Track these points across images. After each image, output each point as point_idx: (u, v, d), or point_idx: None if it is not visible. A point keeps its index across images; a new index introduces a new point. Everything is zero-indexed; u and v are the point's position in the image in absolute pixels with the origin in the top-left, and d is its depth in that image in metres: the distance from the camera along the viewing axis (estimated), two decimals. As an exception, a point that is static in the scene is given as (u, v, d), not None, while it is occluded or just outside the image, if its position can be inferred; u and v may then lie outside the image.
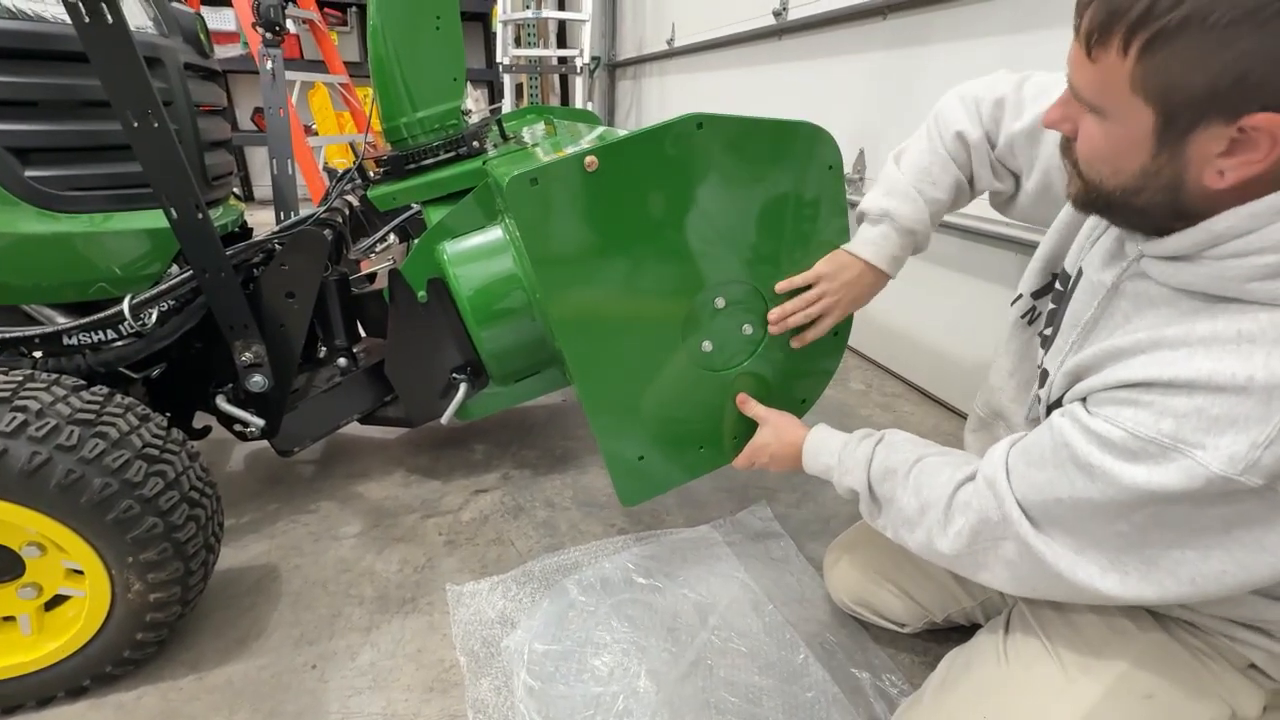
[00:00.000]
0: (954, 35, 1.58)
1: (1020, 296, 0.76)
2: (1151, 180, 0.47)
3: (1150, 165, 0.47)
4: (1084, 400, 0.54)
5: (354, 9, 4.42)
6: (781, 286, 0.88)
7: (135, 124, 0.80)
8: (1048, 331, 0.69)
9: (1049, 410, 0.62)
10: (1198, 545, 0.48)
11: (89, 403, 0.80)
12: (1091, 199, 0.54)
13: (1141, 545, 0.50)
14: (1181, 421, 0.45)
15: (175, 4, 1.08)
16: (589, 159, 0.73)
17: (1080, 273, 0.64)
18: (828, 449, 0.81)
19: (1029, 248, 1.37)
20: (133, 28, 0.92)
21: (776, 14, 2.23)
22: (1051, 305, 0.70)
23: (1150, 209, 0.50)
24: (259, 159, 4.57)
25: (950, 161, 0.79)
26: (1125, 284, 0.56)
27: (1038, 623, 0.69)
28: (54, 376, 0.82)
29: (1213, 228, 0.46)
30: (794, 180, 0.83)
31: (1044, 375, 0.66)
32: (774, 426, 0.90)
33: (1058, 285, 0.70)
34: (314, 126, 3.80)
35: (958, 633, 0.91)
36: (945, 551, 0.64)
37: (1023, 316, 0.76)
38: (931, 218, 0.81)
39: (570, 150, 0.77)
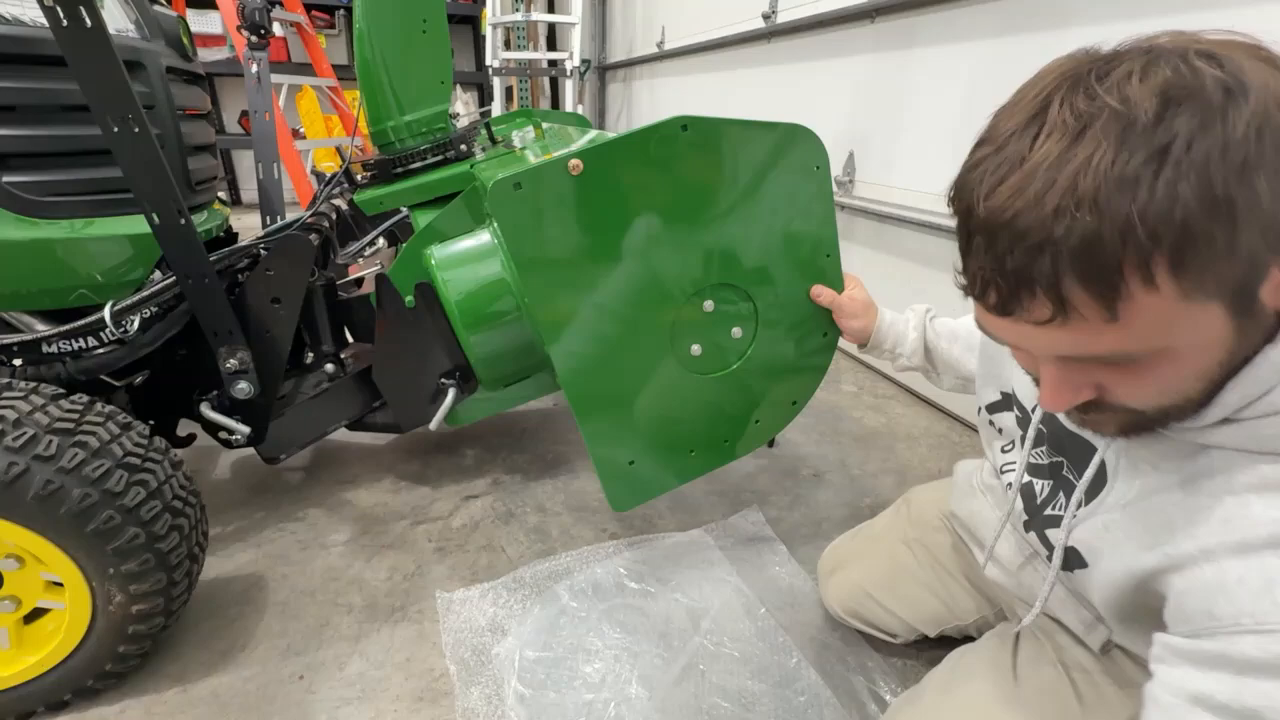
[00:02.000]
0: (940, 39, 1.59)
1: (980, 409, 0.75)
2: (1240, 350, 0.40)
3: (1237, 342, 0.39)
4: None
5: (342, 12, 4.40)
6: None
7: (115, 128, 0.79)
8: (1033, 458, 0.65)
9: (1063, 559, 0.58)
10: None
11: (68, 411, 0.78)
12: (1145, 423, 0.45)
13: None
14: None
15: (158, 7, 1.07)
16: (573, 162, 0.73)
17: (1050, 419, 0.60)
18: None
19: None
20: (113, 31, 0.91)
21: (766, 17, 2.23)
22: (1021, 431, 0.67)
23: (1235, 368, 0.41)
24: (246, 163, 4.53)
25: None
26: (1123, 455, 0.51)
27: (1054, 649, 0.66)
28: (32, 385, 0.80)
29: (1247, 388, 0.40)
30: (781, 182, 0.83)
31: (1032, 505, 0.63)
32: None
33: (1017, 410, 0.67)
34: (302, 130, 3.78)
35: (949, 643, 0.90)
36: None
37: (988, 426, 0.74)
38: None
39: (558, 153, 0.76)
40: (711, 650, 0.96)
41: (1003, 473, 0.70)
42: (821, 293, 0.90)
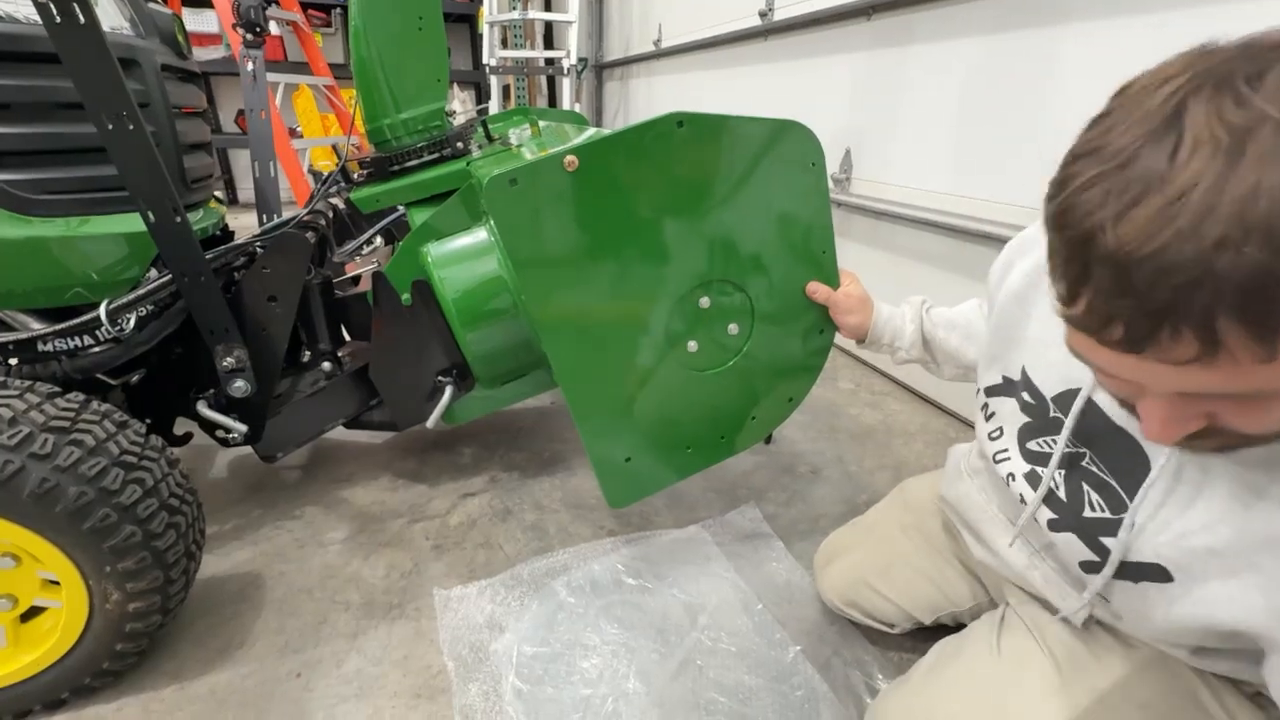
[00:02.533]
0: (937, 35, 1.59)
1: (979, 391, 0.74)
2: None
3: None
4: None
5: (338, 10, 4.39)
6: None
7: (110, 126, 0.79)
8: (1036, 446, 0.64)
9: (1116, 567, 0.54)
10: None
11: (64, 410, 0.78)
12: (1249, 444, 0.42)
13: None
14: None
15: (153, 5, 1.07)
16: (569, 158, 0.73)
17: (1090, 404, 0.57)
18: None
19: (1012, 245, 1.38)
20: (108, 28, 0.91)
21: (762, 14, 2.23)
22: (1026, 417, 0.65)
23: None
24: (243, 162, 4.52)
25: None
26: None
27: (1034, 625, 0.67)
28: (28, 383, 0.80)
29: None
30: (777, 178, 0.84)
31: (1057, 502, 0.60)
32: None
33: (1026, 395, 0.65)
34: (299, 129, 3.77)
35: (946, 631, 0.91)
36: None
37: (980, 409, 0.73)
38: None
39: (554, 150, 0.76)
40: (709, 646, 0.96)
41: (997, 461, 0.69)
42: (817, 289, 0.90)
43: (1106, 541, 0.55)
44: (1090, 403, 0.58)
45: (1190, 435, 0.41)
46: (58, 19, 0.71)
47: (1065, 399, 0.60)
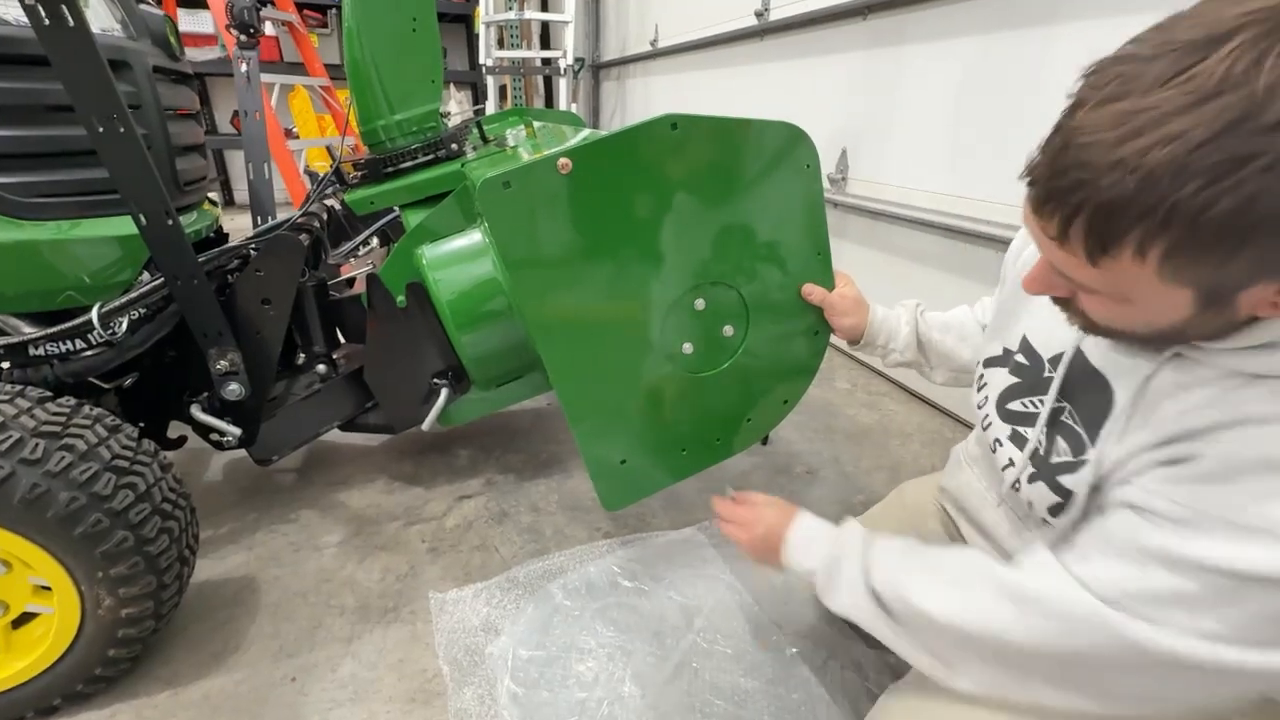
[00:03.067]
0: (932, 35, 1.59)
1: (979, 364, 0.75)
2: (1193, 325, 0.45)
3: (1194, 320, 0.44)
4: (1146, 487, 0.48)
5: (334, 11, 4.38)
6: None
7: (100, 129, 0.78)
8: (1019, 406, 0.65)
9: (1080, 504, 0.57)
10: None
11: (55, 414, 0.78)
12: (1107, 333, 0.51)
13: (1248, 636, 0.42)
14: None
15: (144, 6, 1.06)
16: (562, 161, 0.72)
17: (1078, 354, 0.60)
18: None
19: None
20: (98, 30, 0.91)
21: (758, 15, 2.23)
22: (1015, 379, 0.67)
23: (1188, 337, 0.47)
24: (238, 163, 4.51)
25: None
26: (1163, 371, 0.51)
27: None
28: (18, 388, 0.80)
29: None
30: (771, 180, 0.83)
31: (1034, 453, 0.62)
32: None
33: (1021, 358, 0.67)
34: (295, 130, 3.76)
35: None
36: (968, 623, 0.53)
37: (975, 382, 0.75)
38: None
39: (549, 152, 0.76)
40: (705, 648, 0.96)
41: (984, 429, 0.70)
42: (812, 291, 0.90)
43: (1065, 480, 0.58)
44: (1078, 352, 0.61)
45: (1062, 305, 0.52)
46: (46, 21, 0.71)
47: (1060, 360, 0.63)
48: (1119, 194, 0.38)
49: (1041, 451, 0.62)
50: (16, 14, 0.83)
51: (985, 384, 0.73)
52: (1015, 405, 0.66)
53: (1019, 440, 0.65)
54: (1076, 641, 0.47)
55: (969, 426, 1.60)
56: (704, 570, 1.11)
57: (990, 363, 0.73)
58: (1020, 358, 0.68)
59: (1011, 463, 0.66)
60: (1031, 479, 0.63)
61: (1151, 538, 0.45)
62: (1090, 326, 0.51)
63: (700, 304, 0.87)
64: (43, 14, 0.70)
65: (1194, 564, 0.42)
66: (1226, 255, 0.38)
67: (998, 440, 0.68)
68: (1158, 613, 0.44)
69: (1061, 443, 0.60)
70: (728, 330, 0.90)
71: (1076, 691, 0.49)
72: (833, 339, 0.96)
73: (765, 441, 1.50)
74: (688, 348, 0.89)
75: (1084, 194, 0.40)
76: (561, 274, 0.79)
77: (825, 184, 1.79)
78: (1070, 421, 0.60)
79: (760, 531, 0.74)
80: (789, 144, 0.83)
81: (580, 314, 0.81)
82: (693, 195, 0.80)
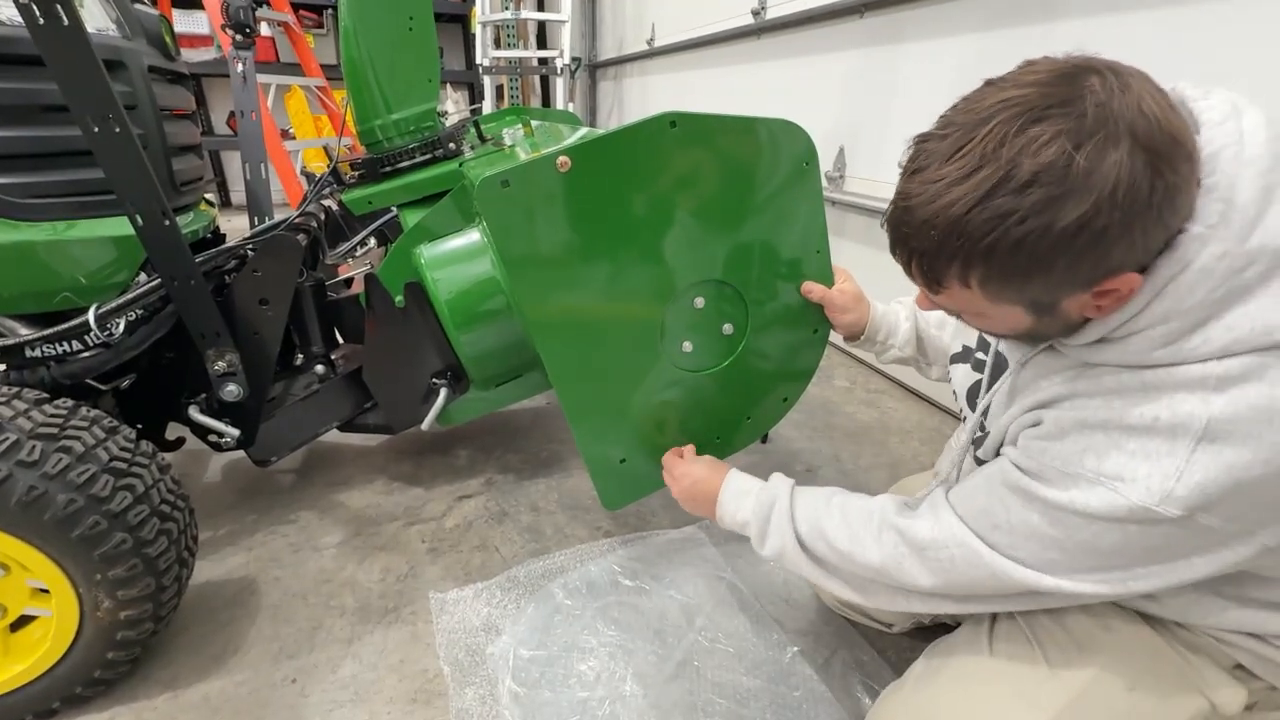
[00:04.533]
0: (928, 33, 1.59)
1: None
2: (1041, 328, 0.56)
3: (1037, 324, 0.55)
4: (1017, 445, 0.60)
5: (330, 11, 4.37)
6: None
7: (95, 129, 0.78)
8: (983, 401, 0.74)
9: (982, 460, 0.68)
10: (1131, 567, 0.53)
11: (52, 416, 0.77)
12: (998, 337, 0.66)
13: (1079, 565, 0.55)
14: (1103, 457, 0.51)
15: (139, 6, 1.05)
16: (561, 159, 0.72)
17: (999, 354, 0.72)
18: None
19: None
20: (93, 30, 0.90)
21: (755, 13, 2.23)
22: (978, 375, 0.76)
23: (1047, 336, 0.58)
24: (235, 164, 4.50)
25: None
26: (1034, 359, 0.63)
27: (1024, 619, 0.69)
28: (15, 390, 0.79)
29: (1108, 324, 0.52)
30: (770, 178, 0.83)
31: (982, 430, 0.71)
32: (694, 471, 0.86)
33: (981, 354, 0.76)
34: (291, 130, 3.75)
35: (944, 629, 0.92)
36: (874, 562, 0.66)
37: (948, 374, 0.84)
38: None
39: (547, 151, 0.76)
40: (706, 646, 0.96)
41: (963, 422, 0.78)
42: (812, 289, 0.90)
43: (981, 453, 0.70)
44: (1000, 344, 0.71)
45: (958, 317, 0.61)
46: (41, 20, 0.70)
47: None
48: (930, 245, 0.50)
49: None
50: (11, 13, 0.82)
51: (951, 378, 0.81)
52: (983, 400, 0.71)
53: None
54: (959, 575, 0.60)
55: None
56: (705, 569, 1.11)
57: (955, 359, 0.81)
58: (980, 354, 0.75)
59: (984, 433, 0.71)
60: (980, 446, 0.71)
61: (1014, 481, 0.57)
62: (980, 328, 0.63)
63: (700, 302, 0.87)
64: (37, 13, 0.70)
65: (1040, 502, 0.54)
66: (1025, 280, 0.49)
67: (963, 410, 0.77)
68: (1015, 543, 0.57)
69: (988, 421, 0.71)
70: (727, 328, 0.90)
71: (975, 605, 0.64)
72: (831, 336, 0.96)
73: (765, 440, 1.50)
74: (687, 346, 0.89)
75: (910, 245, 0.52)
76: (560, 273, 0.78)
77: (823, 182, 1.79)
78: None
79: (687, 485, 0.84)
80: (788, 142, 0.83)
81: (579, 313, 0.81)
82: (692, 193, 0.80)
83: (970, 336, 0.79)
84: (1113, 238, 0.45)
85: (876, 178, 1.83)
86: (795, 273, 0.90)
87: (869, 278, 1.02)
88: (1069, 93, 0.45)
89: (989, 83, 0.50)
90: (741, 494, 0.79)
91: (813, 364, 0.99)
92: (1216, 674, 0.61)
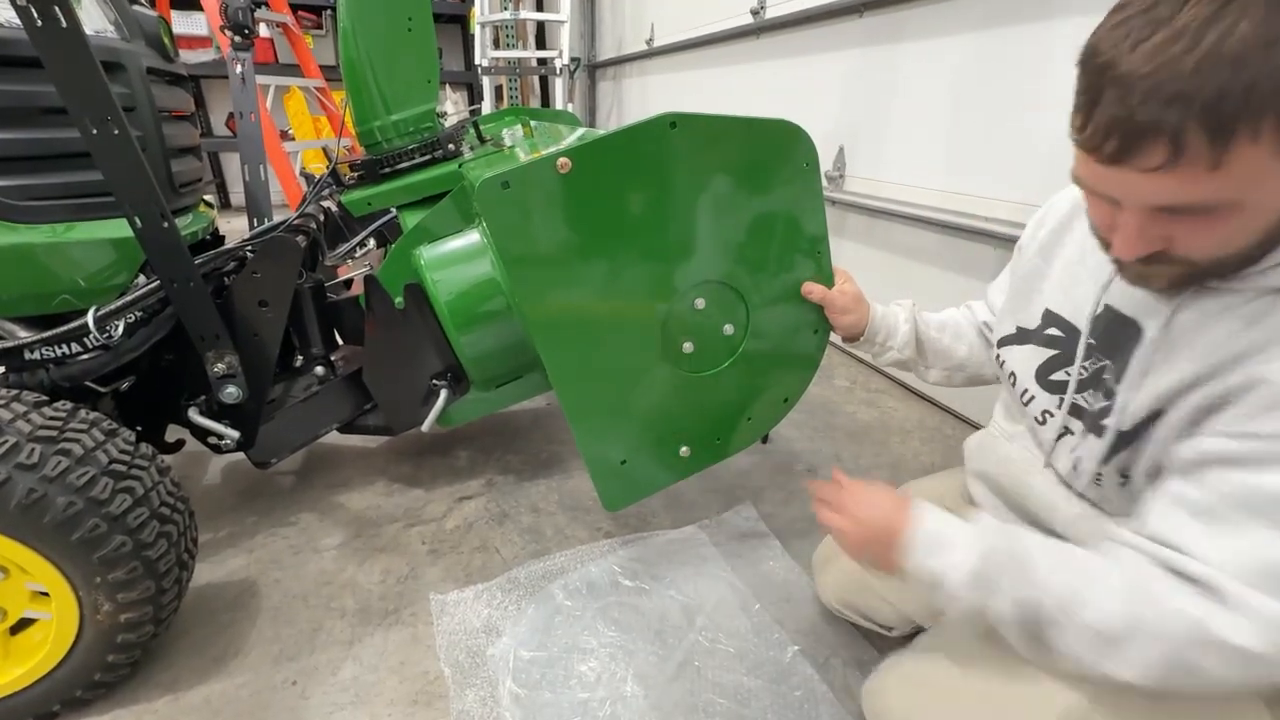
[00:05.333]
0: (928, 32, 1.59)
1: (996, 349, 0.78)
2: None
3: None
4: (1211, 433, 0.48)
5: (328, 12, 4.37)
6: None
7: (94, 131, 0.78)
8: (1059, 376, 0.67)
9: (1115, 443, 0.58)
10: None
11: (51, 419, 0.77)
12: (1192, 278, 0.51)
13: None
14: None
15: (137, 7, 1.05)
16: (561, 160, 0.72)
17: (1105, 312, 0.62)
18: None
19: (1007, 242, 1.39)
20: (91, 32, 0.90)
21: (754, 13, 2.23)
22: (1052, 351, 0.68)
23: (1251, 257, 0.48)
24: (234, 166, 4.50)
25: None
26: (1186, 301, 0.53)
27: None
28: (14, 392, 0.79)
29: None
30: (770, 178, 0.83)
31: (1080, 411, 0.63)
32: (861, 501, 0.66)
33: (1053, 331, 0.69)
34: (290, 131, 3.75)
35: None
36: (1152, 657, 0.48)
37: (1000, 366, 0.77)
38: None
39: (546, 152, 0.76)
40: (707, 647, 0.96)
41: (1025, 404, 0.70)
42: (812, 289, 0.90)
43: (1106, 422, 0.59)
44: (1106, 309, 0.62)
45: (1151, 264, 0.50)
46: (39, 22, 0.70)
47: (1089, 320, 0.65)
48: (1218, 85, 0.40)
49: (1087, 407, 0.63)
50: (9, 15, 0.82)
51: (1004, 362, 0.75)
52: (1059, 375, 0.67)
53: (1076, 410, 0.64)
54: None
55: (968, 422, 1.60)
56: (705, 569, 1.11)
57: (1006, 342, 0.76)
58: (1054, 330, 0.69)
59: (1068, 430, 0.65)
60: (1084, 434, 0.63)
61: (1263, 494, 0.44)
62: (1184, 278, 0.51)
63: (700, 303, 0.86)
64: (35, 15, 0.70)
65: None
66: None
67: (1046, 412, 0.68)
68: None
69: (1098, 394, 0.62)
70: (728, 329, 0.90)
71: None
72: (831, 336, 0.96)
73: (765, 440, 1.50)
74: (688, 347, 0.89)
75: (1184, 101, 0.41)
76: (561, 273, 0.78)
77: (823, 182, 1.79)
78: (1109, 377, 0.61)
79: (872, 530, 0.62)
80: (788, 142, 0.83)
81: (580, 314, 0.81)
82: (692, 194, 0.80)
83: (1025, 315, 0.73)
84: None
85: (876, 177, 1.83)
86: (795, 273, 0.90)
87: (869, 278, 1.02)
88: None
89: None
90: (940, 541, 0.59)
91: (813, 364, 0.99)
92: (1251, 700, 0.54)
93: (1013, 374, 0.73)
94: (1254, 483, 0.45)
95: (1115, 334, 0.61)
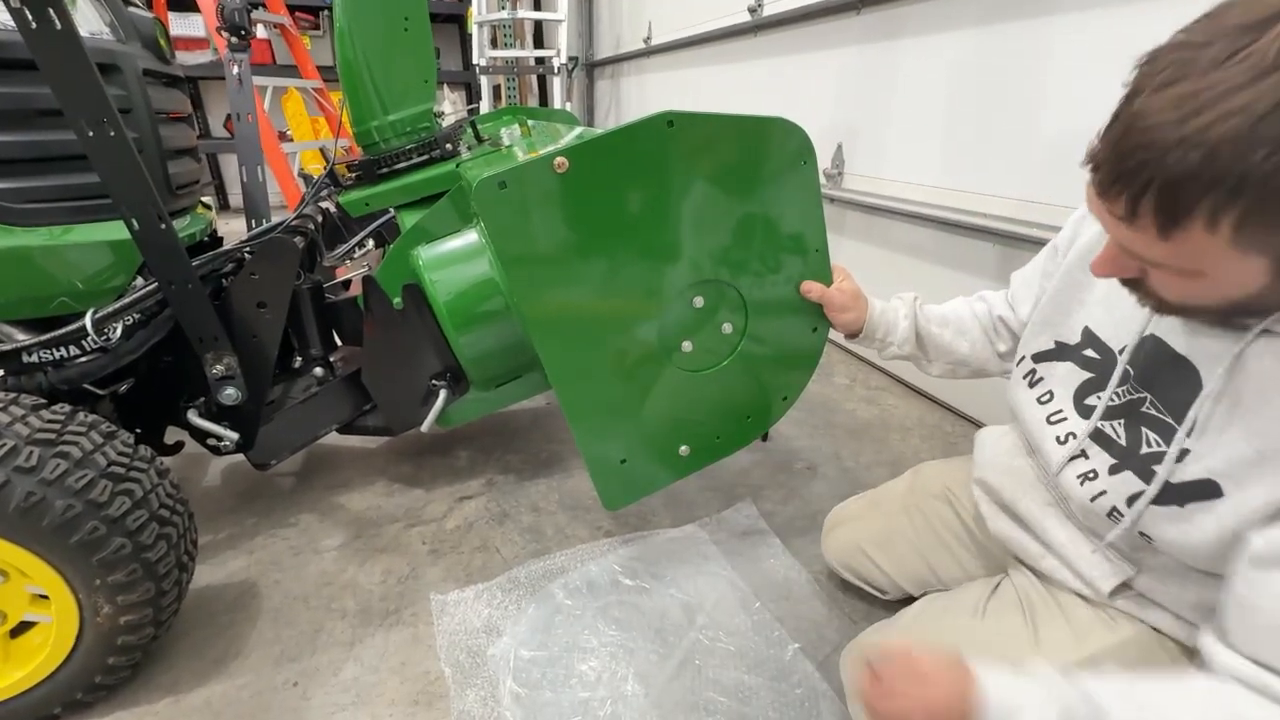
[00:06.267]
0: (926, 29, 1.59)
1: (1022, 359, 0.75)
2: (1270, 294, 0.45)
3: (1269, 287, 0.44)
4: None
5: (326, 12, 4.36)
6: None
7: (90, 133, 0.77)
8: (1093, 401, 0.65)
9: (1161, 494, 0.55)
10: None
11: (49, 422, 0.77)
12: (1181, 311, 0.52)
13: None
14: None
15: (133, 9, 1.05)
16: (559, 160, 0.72)
17: (1150, 341, 0.59)
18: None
19: (1006, 239, 1.38)
20: (86, 33, 0.90)
21: (752, 10, 2.23)
22: (1088, 374, 0.66)
23: (1264, 308, 0.47)
24: (233, 166, 4.48)
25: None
26: (1255, 348, 0.49)
27: (1025, 598, 0.70)
28: (12, 396, 0.79)
29: None
30: (768, 176, 0.83)
31: (1107, 441, 0.61)
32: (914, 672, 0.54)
33: (1090, 352, 0.66)
34: (289, 132, 3.74)
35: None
36: None
37: (1024, 377, 0.74)
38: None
39: (544, 151, 0.76)
40: (707, 645, 0.96)
41: (1051, 423, 0.68)
42: (811, 288, 0.90)
43: (1156, 469, 0.56)
44: (1153, 339, 0.60)
45: (1134, 287, 0.53)
46: (33, 24, 0.70)
47: (1127, 350, 0.62)
48: (1185, 168, 0.39)
49: (1123, 442, 0.60)
50: (3, 18, 0.82)
51: (1042, 379, 0.71)
52: (1091, 400, 0.65)
53: (1100, 437, 0.63)
54: None
55: (968, 420, 1.60)
56: (705, 567, 1.11)
57: (1043, 357, 0.72)
58: (1090, 352, 0.67)
59: (1084, 453, 0.64)
60: (1114, 470, 0.61)
61: None
62: (1162, 306, 0.52)
63: (699, 301, 0.86)
64: (29, 17, 0.70)
65: None
66: None
67: (1071, 434, 0.66)
68: None
69: (1150, 434, 0.58)
70: (726, 327, 0.90)
71: None
72: (830, 333, 0.96)
73: (765, 438, 1.50)
74: (686, 345, 0.89)
75: (1150, 172, 0.41)
76: (559, 273, 0.78)
77: (821, 179, 1.79)
78: (1154, 411, 0.58)
79: (933, 711, 0.52)
80: (785, 140, 0.82)
81: (578, 313, 0.81)
82: (690, 192, 0.80)
83: (1068, 331, 0.70)
84: None
85: (875, 175, 1.83)
86: (794, 271, 0.90)
87: (868, 275, 1.02)
88: None
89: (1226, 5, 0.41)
90: (1012, 712, 0.50)
91: (812, 362, 0.99)
92: None
93: (1051, 391, 0.70)
94: None
95: (1161, 369, 0.58)
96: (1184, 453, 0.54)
